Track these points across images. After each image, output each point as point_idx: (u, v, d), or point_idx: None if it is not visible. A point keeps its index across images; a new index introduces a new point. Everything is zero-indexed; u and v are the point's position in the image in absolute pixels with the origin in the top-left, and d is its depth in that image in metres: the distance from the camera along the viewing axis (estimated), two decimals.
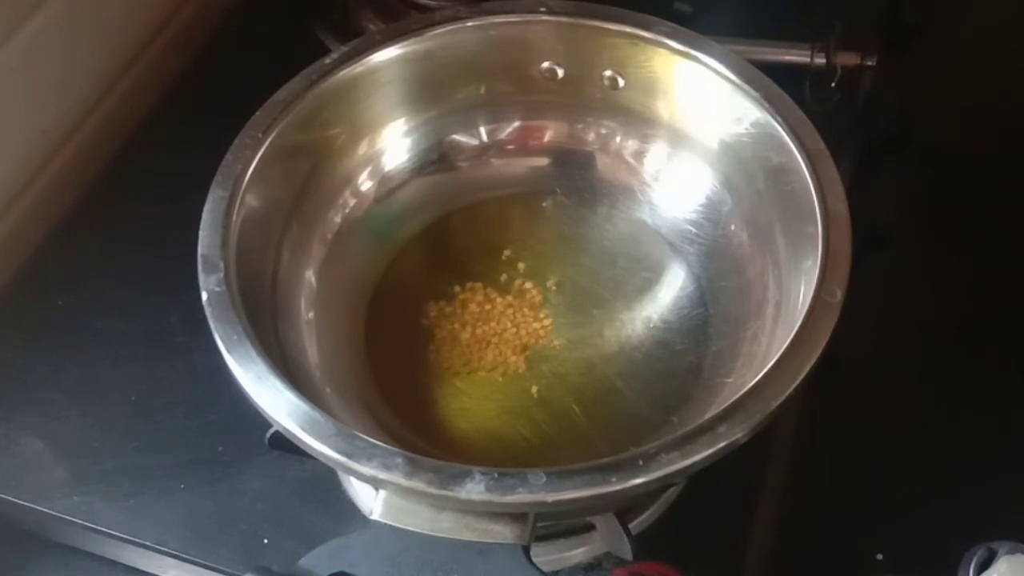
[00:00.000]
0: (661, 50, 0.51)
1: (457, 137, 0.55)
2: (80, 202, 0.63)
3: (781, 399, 0.39)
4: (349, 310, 0.51)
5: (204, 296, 0.42)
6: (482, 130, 0.55)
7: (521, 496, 0.37)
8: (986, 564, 0.44)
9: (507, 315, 0.52)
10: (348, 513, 0.49)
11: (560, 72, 0.54)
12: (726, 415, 0.38)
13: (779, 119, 0.47)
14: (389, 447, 0.38)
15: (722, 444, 0.38)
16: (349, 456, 0.38)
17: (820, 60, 0.62)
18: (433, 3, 0.65)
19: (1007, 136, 0.65)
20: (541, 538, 0.46)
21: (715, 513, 0.49)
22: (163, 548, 0.49)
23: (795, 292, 0.44)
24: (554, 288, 0.53)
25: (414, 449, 0.39)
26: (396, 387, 0.49)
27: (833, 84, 0.61)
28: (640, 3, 0.52)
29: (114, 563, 0.52)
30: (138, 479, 0.51)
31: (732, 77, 0.49)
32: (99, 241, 0.61)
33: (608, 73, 0.53)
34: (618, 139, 0.55)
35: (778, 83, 0.48)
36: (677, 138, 0.53)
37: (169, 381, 0.54)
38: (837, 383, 0.52)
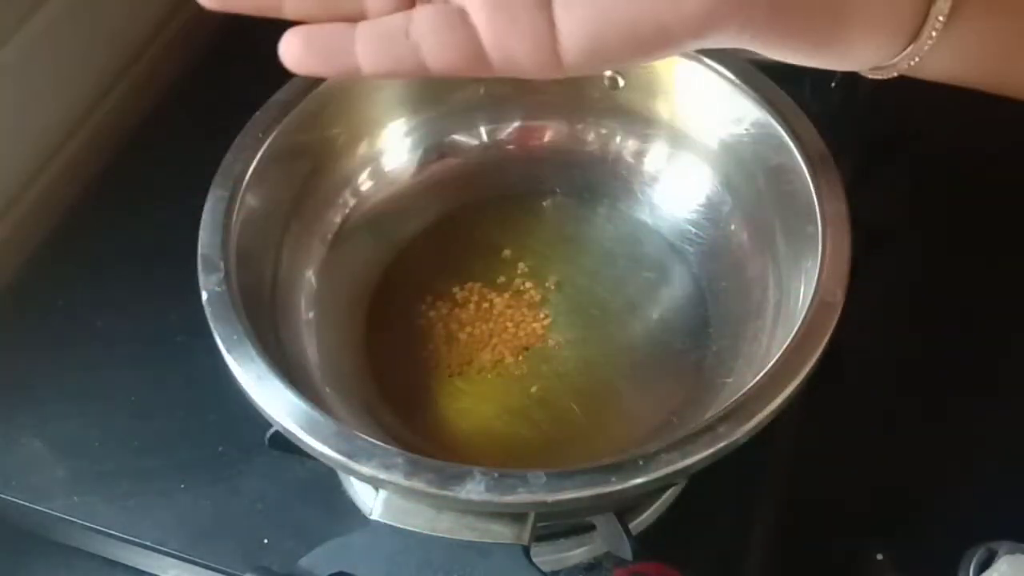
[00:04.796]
0: None
1: (457, 137, 0.55)
2: (80, 202, 0.63)
3: (781, 399, 0.39)
4: (349, 310, 0.51)
5: (204, 296, 0.42)
6: (482, 130, 0.55)
7: (521, 496, 0.37)
8: (986, 564, 0.44)
9: (506, 315, 0.52)
10: (348, 513, 0.49)
11: None
12: (726, 415, 0.38)
13: (779, 119, 0.47)
14: (389, 447, 0.38)
15: (722, 444, 0.38)
16: (349, 456, 0.38)
17: None
18: None
19: (1007, 136, 0.65)
20: (541, 538, 0.46)
21: (715, 513, 0.49)
22: (163, 548, 0.49)
23: (795, 292, 0.44)
24: (554, 288, 0.53)
25: (414, 449, 0.39)
26: (396, 387, 0.49)
27: (833, 84, 0.61)
28: None
29: (114, 563, 0.52)
30: (138, 479, 0.51)
31: (732, 77, 0.49)
32: (99, 241, 0.61)
33: (608, 73, 0.53)
34: (618, 139, 0.55)
35: (778, 83, 0.48)
36: (677, 138, 0.53)
37: (169, 381, 0.54)
38: (837, 383, 0.52)
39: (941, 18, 0.36)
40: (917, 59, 0.37)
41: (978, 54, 0.38)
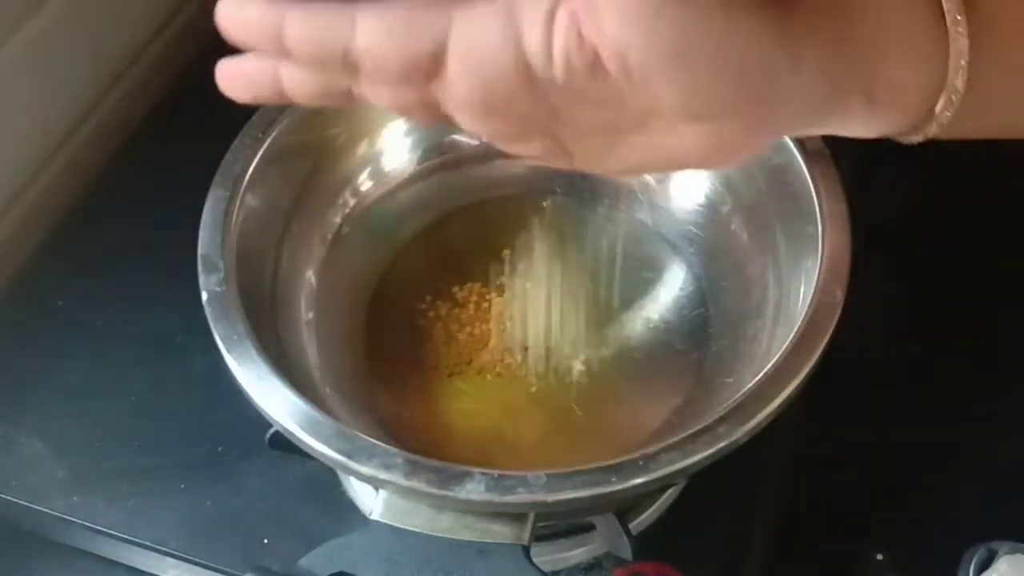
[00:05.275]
0: None
1: (457, 137, 0.55)
2: (80, 202, 0.63)
3: (781, 399, 0.39)
4: (349, 310, 0.51)
5: (204, 296, 0.42)
6: None
7: (521, 496, 0.37)
8: (986, 564, 0.44)
9: (506, 315, 0.52)
10: (348, 513, 0.49)
11: None
12: (726, 415, 0.38)
13: None
14: (389, 447, 0.38)
15: (722, 444, 0.38)
16: (349, 456, 0.38)
17: None
18: None
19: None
20: (541, 538, 0.46)
21: (715, 513, 0.49)
22: (163, 548, 0.49)
23: (795, 292, 0.44)
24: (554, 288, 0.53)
25: (414, 449, 0.39)
26: (396, 387, 0.49)
27: None
28: None
29: (114, 563, 0.52)
30: (138, 479, 0.51)
31: None
32: (99, 241, 0.61)
33: None
34: None
35: None
36: None
37: (169, 381, 0.54)
38: (837, 383, 0.52)
39: (963, 62, 0.35)
40: (947, 116, 0.36)
41: (1006, 109, 0.37)
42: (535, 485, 0.37)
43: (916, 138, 0.37)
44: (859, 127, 0.36)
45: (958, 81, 0.34)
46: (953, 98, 0.35)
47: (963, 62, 0.34)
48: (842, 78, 0.34)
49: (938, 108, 0.35)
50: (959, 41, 0.34)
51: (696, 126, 0.32)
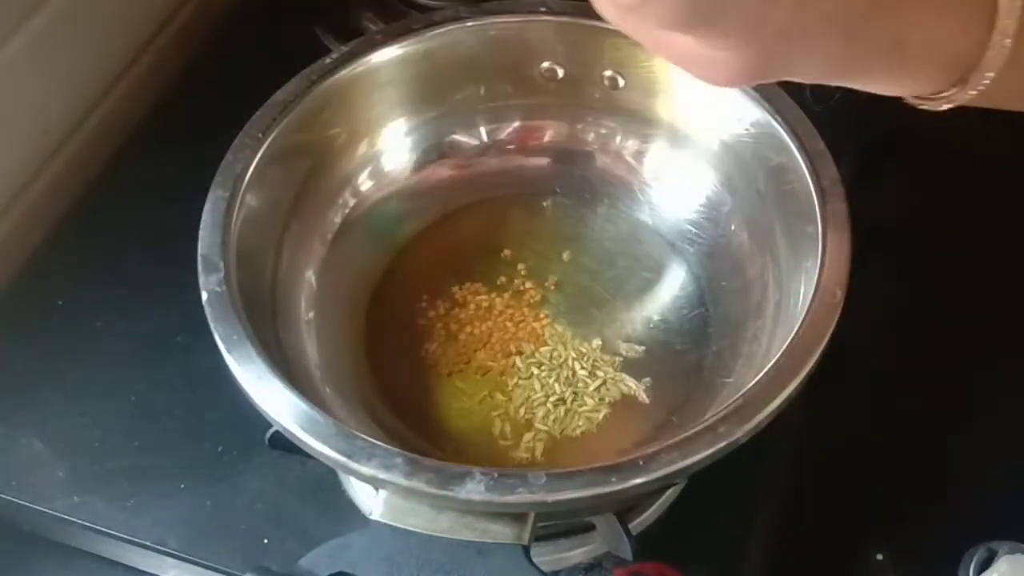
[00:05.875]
0: None
1: (457, 137, 0.55)
2: (80, 202, 0.63)
3: (781, 399, 0.39)
4: (349, 310, 0.51)
5: (204, 296, 0.42)
6: (482, 130, 0.55)
7: (521, 496, 0.37)
8: (986, 564, 0.44)
9: (506, 315, 0.52)
10: (348, 513, 0.49)
11: (560, 72, 0.54)
12: (726, 415, 0.38)
13: (779, 119, 0.47)
14: (389, 447, 0.38)
15: (722, 444, 0.38)
16: (349, 456, 0.38)
17: None
18: (433, 3, 0.65)
19: (1008, 135, 0.65)
20: (541, 538, 0.46)
21: (715, 513, 0.49)
22: (163, 548, 0.49)
23: (795, 292, 0.44)
24: (553, 288, 0.53)
25: (414, 449, 0.39)
26: (396, 387, 0.49)
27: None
28: None
29: (114, 563, 0.52)
30: (138, 479, 0.51)
31: None
32: (99, 241, 0.61)
33: (608, 73, 0.53)
34: (618, 139, 0.55)
35: (778, 83, 0.48)
36: (677, 138, 0.53)
37: (169, 381, 0.54)
38: (838, 382, 0.52)
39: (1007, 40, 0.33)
40: (985, 82, 0.34)
41: None
42: (535, 485, 0.37)
43: (943, 105, 0.35)
44: (881, 83, 0.35)
45: (1002, 46, 0.32)
46: (993, 66, 0.33)
47: (1007, 39, 0.32)
48: (870, 27, 0.32)
49: (973, 77, 0.33)
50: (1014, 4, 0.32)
51: (695, 39, 0.32)
